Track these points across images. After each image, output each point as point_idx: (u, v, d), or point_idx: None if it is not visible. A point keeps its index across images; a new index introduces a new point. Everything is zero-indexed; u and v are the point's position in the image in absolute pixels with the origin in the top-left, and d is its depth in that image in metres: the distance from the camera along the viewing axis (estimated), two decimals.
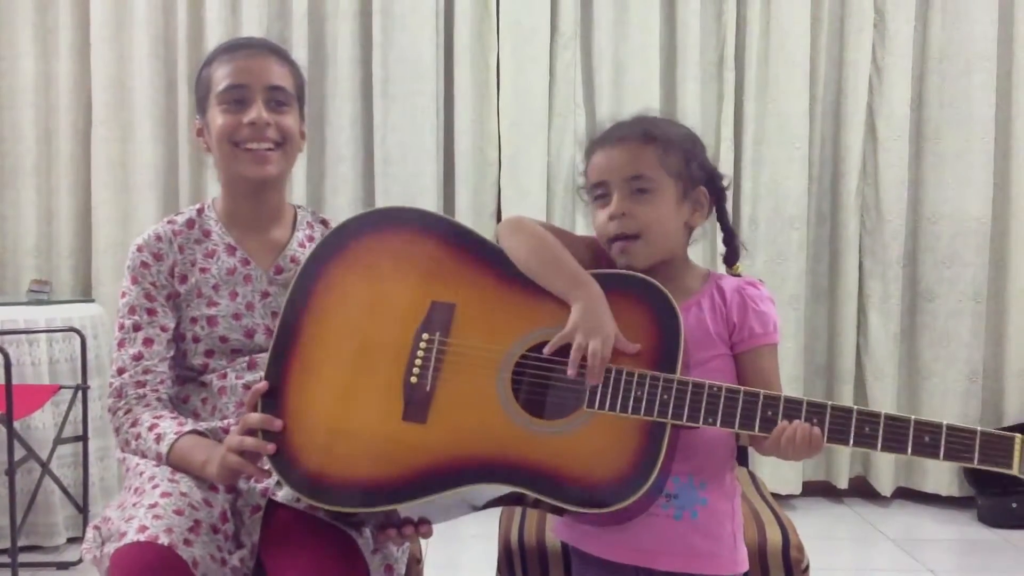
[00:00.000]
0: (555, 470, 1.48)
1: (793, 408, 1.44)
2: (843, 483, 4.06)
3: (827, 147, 4.07)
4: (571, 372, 1.48)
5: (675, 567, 1.56)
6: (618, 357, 1.49)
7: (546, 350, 1.51)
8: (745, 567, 1.63)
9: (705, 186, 1.65)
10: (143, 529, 1.49)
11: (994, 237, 3.99)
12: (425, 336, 1.58)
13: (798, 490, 4.00)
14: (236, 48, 1.83)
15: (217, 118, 1.78)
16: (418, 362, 1.57)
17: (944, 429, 1.37)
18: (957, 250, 3.97)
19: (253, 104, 1.77)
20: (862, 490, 4.11)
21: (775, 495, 2.31)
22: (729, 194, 4.09)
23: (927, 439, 1.38)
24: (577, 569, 1.65)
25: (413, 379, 1.56)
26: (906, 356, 4.08)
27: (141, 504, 1.56)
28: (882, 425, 1.40)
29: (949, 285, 3.99)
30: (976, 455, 1.36)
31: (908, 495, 4.10)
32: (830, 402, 1.44)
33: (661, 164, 1.59)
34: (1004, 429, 4.06)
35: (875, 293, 4.01)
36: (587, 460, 1.48)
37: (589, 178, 1.64)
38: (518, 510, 1.98)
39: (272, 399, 1.58)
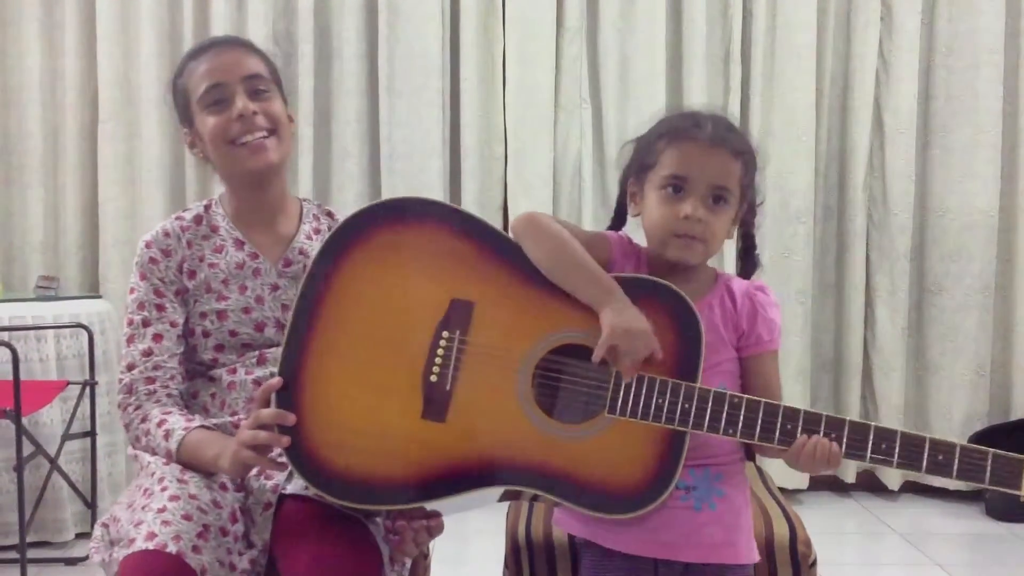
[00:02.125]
0: (574, 475, 1.49)
1: (812, 423, 1.46)
2: (850, 477, 4.05)
3: (834, 141, 4.06)
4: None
5: (697, 558, 1.57)
6: (651, 359, 1.50)
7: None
8: (757, 557, 1.64)
9: (748, 203, 1.66)
10: (152, 536, 1.49)
11: (1001, 231, 3.98)
12: (445, 334, 1.56)
13: (805, 485, 3.99)
14: (202, 50, 1.84)
15: (206, 121, 1.78)
16: (438, 360, 1.55)
17: (958, 450, 1.41)
18: (964, 244, 3.96)
19: (235, 98, 1.77)
20: (869, 484, 4.11)
21: (782, 490, 2.31)
22: None
23: (940, 458, 1.41)
24: (593, 563, 1.63)
25: (433, 377, 1.55)
26: (914, 350, 4.08)
27: (150, 508, 1.56)
28: (898, 443, 1.43)
29: (956, 279, 3.98)
30: (987, 476, 1.40)
31: (916, 489, 4.09)
32: (848, 418, 1.46)
33: (739, 182, 1.60)
34: (1012, 422, 4.01)
35: (882, 287, 4.00)
36: (607, 466, 1.49)
37: (666, 163, 1.58)
38: (525, 504, 1.99)
39: (286, 394, 1.56)
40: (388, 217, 1.64)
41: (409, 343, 1.57)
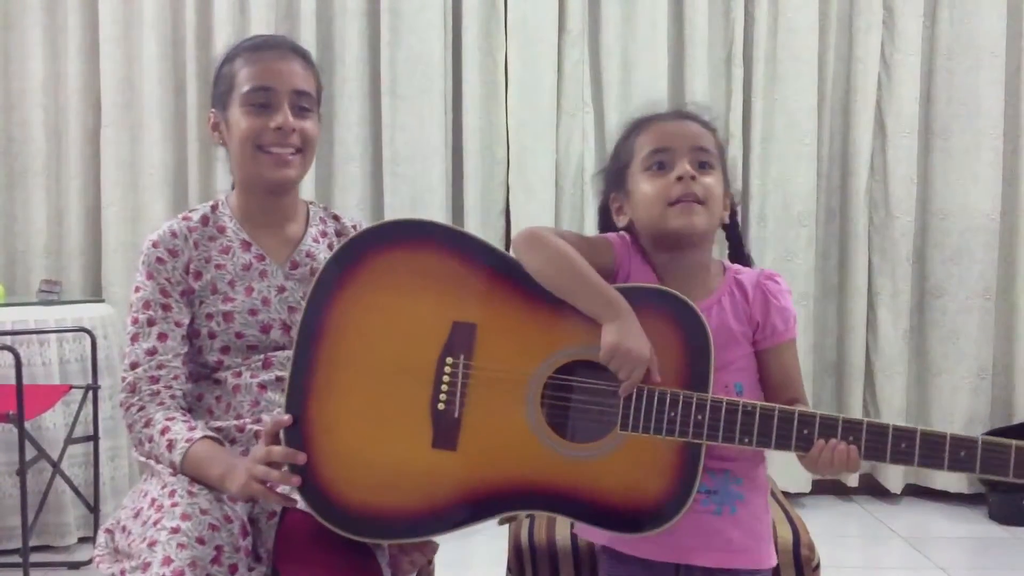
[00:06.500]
0: (592, 495, 1.47)
1: (829, 426, 1.43)
2: (852, 481, 4.06)
3: (836, 144, 4.07)
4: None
5: (715, 563, 1.55)
6: (647, 381, 1.48)
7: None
8: (775, 561, 1.63)
9: (730, 187, 1.67)
10: (168, 561, 1.47)
11: (1003, 233, 3.99)
12: (449, 359, 1.53)
13: (808, 488, 3.99)
14: (262, 48, 1.82)
15: (241, 120, 1.77)
16: (444, 387, 1.53)
17: (979, 444, 1.38)
18: (966, 246, 3.97)
19: (279, 109, 1.77)
20: (872, 488, 4.11)
21: (785, 493, 2.31)
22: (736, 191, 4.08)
23: (963, 454, 1.38)
24: (611, 569, 1.63)
25: (441, 405, 1.52)
26: (915, 353, 4.08)
27: (163, 526, 1.53)
28: (918, 441, 1.40)
29: (958, 282, 3.99)
30: (1011, 469, 1.37)
31: (918, 492, 4.09)
32: (866, 419, 1.43)
33: (717, 150, 1.61)
34: (1014, 425, 4.00)
35: (884, 290, 4.01)
36: (623, 484, 1.47)
37: (643, 147, 1.60)
38: None
39: (294, 430, 1.53)
40: (382, 240, 1.60)
41: (414, 371, 1.54)
